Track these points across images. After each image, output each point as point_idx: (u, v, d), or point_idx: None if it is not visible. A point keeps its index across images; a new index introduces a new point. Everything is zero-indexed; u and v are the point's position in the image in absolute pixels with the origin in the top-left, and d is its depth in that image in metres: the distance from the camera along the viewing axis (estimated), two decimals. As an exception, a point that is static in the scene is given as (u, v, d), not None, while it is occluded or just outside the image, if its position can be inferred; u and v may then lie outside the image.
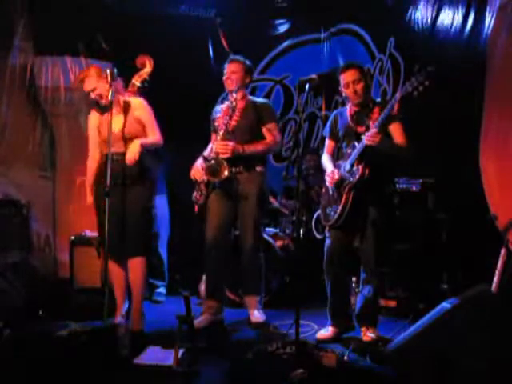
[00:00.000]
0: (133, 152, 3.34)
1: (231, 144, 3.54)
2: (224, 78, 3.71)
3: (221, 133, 3.60)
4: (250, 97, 3.87)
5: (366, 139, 3.07)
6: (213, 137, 3.78)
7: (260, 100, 3.94)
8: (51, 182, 4.93)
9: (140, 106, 3.49)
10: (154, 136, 3.48)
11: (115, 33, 4.89)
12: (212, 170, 3.54)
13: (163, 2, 5.12)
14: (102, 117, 3.46)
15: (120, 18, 4.87)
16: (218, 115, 3.76)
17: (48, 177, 4.93)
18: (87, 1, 4.79)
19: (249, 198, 3.64)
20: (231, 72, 3.68)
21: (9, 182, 4.70)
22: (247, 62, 3.76)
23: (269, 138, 3.69)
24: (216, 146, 3.58)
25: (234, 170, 3.61)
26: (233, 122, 3.64)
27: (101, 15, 4.82)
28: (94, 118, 3.55)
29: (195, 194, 3.72)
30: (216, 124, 3.73)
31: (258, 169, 3.71)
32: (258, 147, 3.66)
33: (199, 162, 3.68)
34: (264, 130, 3.70)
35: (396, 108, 3.07)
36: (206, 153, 3.69)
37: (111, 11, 4.85)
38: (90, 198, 3.54)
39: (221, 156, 3.53)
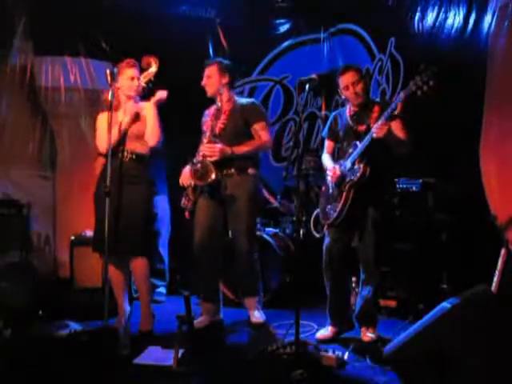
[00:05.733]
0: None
1: (218, 146, 3.49)
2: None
3: (207, 136, 3.56)
4: (237, 98, 3.79)
5: (375, 131, 3.03)
6: (203, 140, 3.72)
7: (246, 100, 3.86)
8: (51, 182, 4.93)
9: (148, 107, 3.49)
10: (152, 139, 3.45)
11: (115, 33, 4.89)
12: (199, 174, 3.48)
13: (163, 2, 5.12)
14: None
15: (120, 17, 4.87)
16: (207, 119, 3.72)
17: (48, 177, 4.93)
18: (87, 1, 4.79)
19: (239, 202, 3.59)
20: (206, 77, 3.67)
21: (9, 181, 4.70)
22: (222, 62, 3.71)
23: (257, 138, 3.64)
24: (203, 149, 3.53)
25: (224, 172, 3.58)
26: (220, 125, 3.60)
27: (101, 15, 4.82)
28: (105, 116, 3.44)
29: (183, 200, 3.64)
30: (204, 128, 3.70)
31: (250, 171, 3.65)
32: (247, 147, 3.60)
33: (187, 167, 3.62)
34: (252, 130, 3.64)
35: (399, 108, 3.06)
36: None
37: (111, 11, 4.85)
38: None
39: (208, 159, 3.49)
